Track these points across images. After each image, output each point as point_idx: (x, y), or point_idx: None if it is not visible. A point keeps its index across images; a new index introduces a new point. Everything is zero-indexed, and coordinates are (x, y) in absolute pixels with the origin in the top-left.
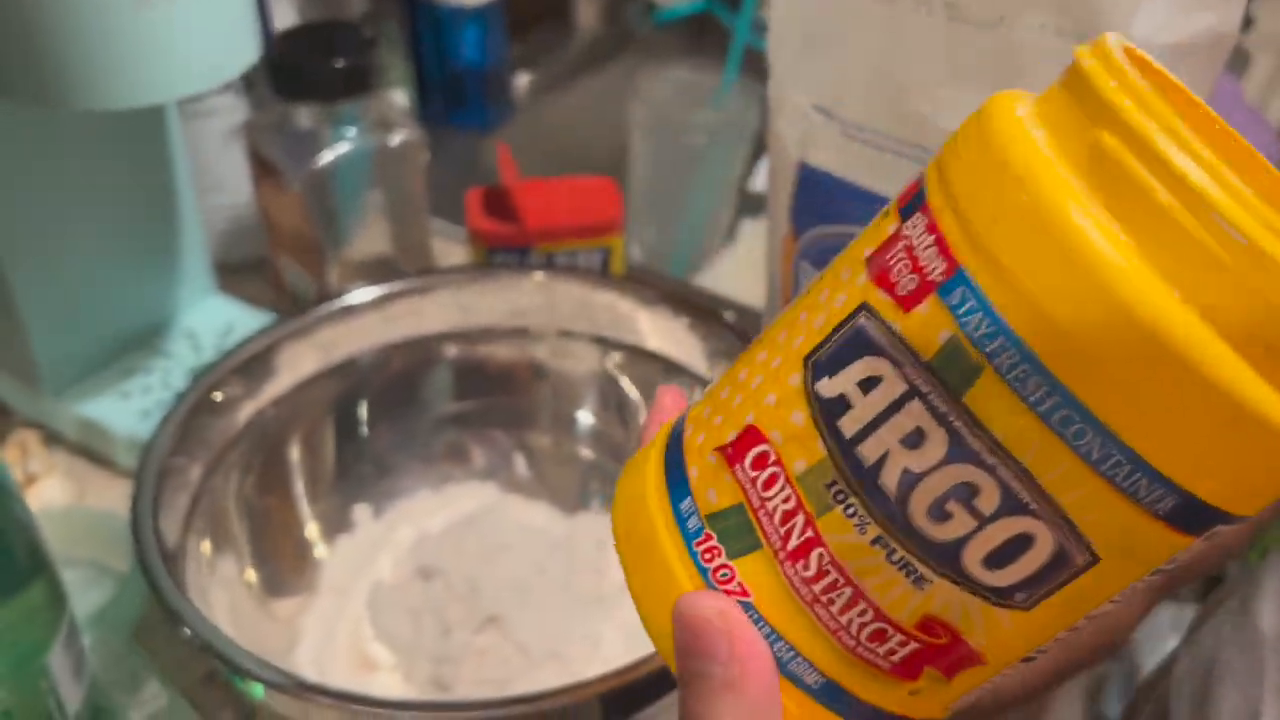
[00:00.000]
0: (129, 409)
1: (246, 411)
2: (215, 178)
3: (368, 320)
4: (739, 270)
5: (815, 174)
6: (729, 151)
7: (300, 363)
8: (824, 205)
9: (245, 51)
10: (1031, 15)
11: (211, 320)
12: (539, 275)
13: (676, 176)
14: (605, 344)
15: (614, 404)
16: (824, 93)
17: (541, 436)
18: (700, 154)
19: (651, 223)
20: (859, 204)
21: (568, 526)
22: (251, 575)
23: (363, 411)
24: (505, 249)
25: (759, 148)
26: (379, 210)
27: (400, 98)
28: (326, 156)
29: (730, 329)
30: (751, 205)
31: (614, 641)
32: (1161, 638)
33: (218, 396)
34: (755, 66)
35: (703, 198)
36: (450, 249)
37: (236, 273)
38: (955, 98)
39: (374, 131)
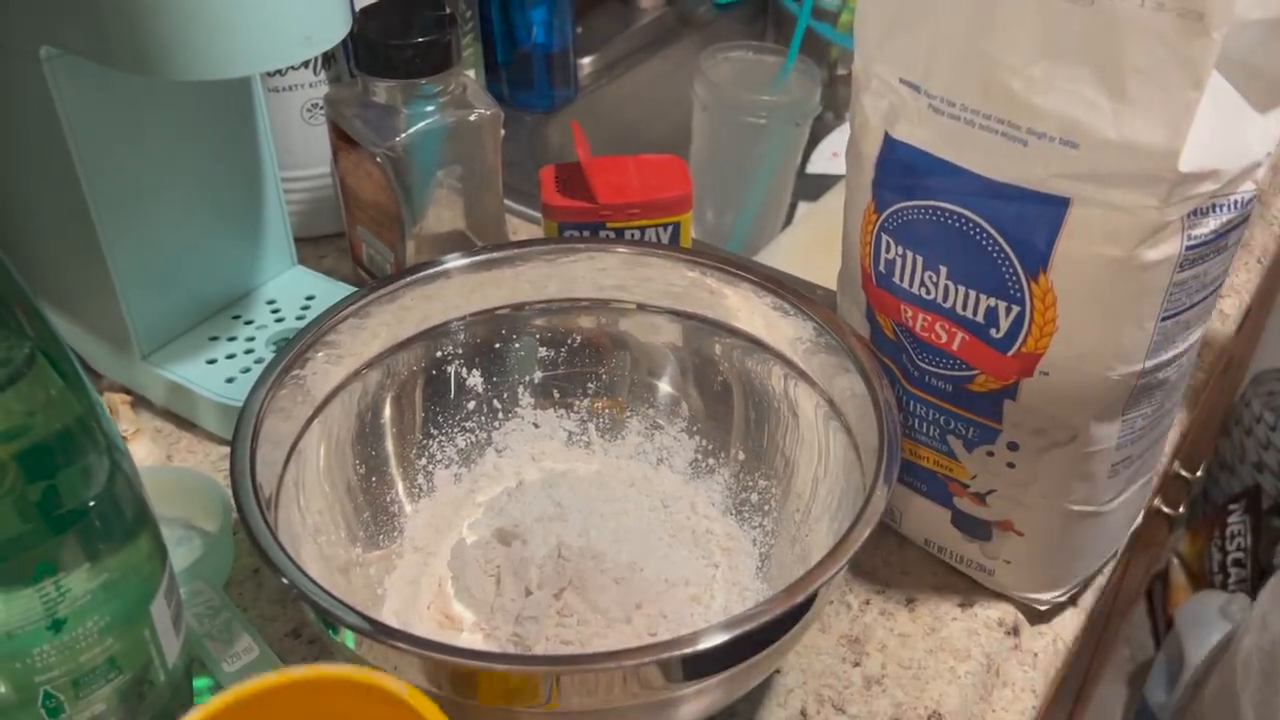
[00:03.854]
0: (215, 374)
1: (341, 372)
2: (294, 152)
3: (459, 288)
4: (797, 250)
5: (901, 147)
6: (789, 133)
7: (393, 326)
8: (908, 179)
9: (337, 24)
10: None
11: (293, 290)
12: (625, 250)
13: (737, 157)
14: (687, 318)
15: (692, 376)
16: (912, 67)
17: (620, 406)
18: (760, 135)
19: (711, 202)
20: (945, 178)
21: (644, 494)
22: (340, 532)
23: (450, 376)
24: (577, 225)
25: (818, 130)
26: (454, 185)
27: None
28: (408, 131)
29: (815, 309)
30: (809, 187)
31: (683, 605)
32: (1209, 626)
33: (315, 355)
34: (815, 49)
35: (762, 178)
36: (516, 225)
37: (313, 246)
38: (1049, 74)
39: (452, 107)
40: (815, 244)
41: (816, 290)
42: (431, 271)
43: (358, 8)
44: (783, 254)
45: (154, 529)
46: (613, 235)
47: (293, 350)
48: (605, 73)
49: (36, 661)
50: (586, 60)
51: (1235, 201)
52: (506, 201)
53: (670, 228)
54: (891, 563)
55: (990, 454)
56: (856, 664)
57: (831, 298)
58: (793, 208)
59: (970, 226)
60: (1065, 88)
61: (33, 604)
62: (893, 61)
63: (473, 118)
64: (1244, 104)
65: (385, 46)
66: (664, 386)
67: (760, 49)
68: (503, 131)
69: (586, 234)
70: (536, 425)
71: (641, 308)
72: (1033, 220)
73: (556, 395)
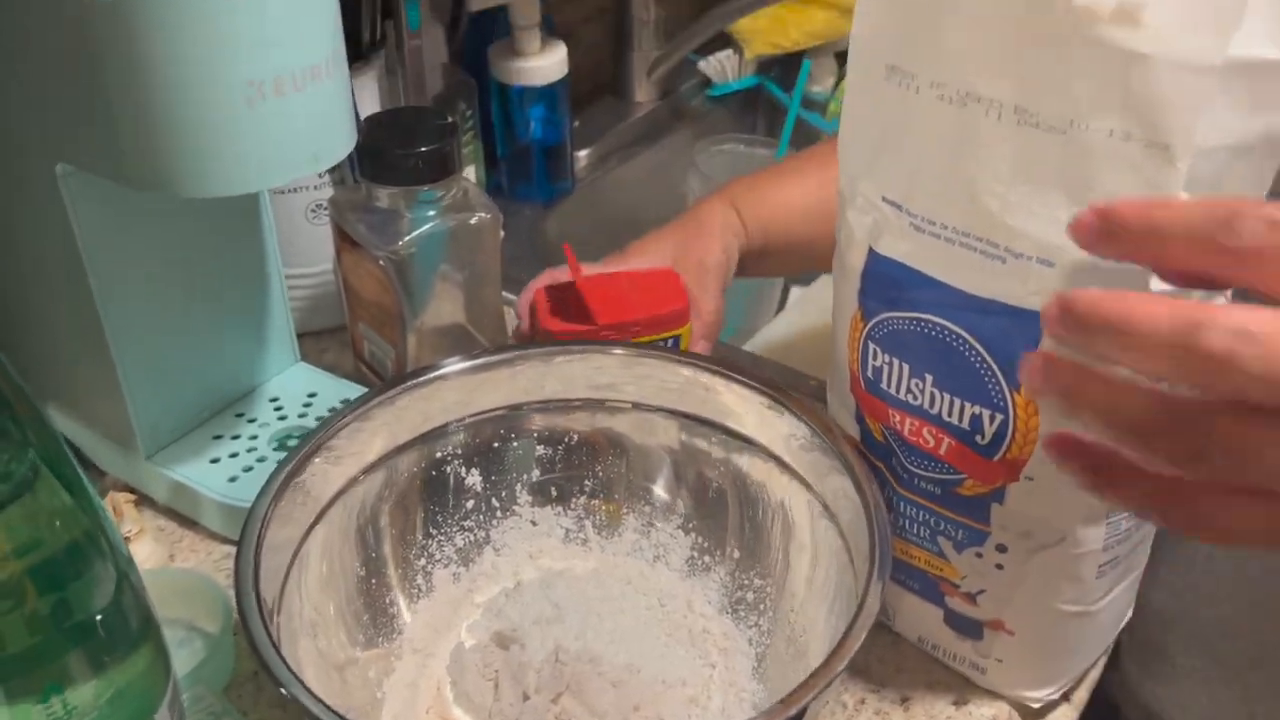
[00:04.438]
0: (217, 473)
1: (343, 475)
2: (297, 251)
3: (457, 390)
4: (789, 338)
5: (885, 261)
6: None
7: (393, 427)
8: (893, 291)
9: (343, 141)
10: (1100, 120)
11: (296, 387)
12: (620, 351)
13: None
14: (682, 417)
15: (687, 475)
16: (895, 186)
17: (617, 507)
18: None
19: None
20: (929, 292)
21: (641, 592)
22: (340, 635)
23: (450, 476)
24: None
25: None
26: (454, 283)
27: (470, 174)
28: (410, 235)
29: (808, 412)
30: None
31: (680, 707)
32: None
33: (316, 460)
34: (805, 139)
35: None
36: (514, 318)
37: (315, 340)
38: (1024, 199)
39: (453, 211)
40: (807, 330)
41: (810, 381)
42: (430, 376)
43: (362, 116)
44: (775, 340)
45: (158, 637)
46: None
47: (296, 457)
48: (601, 164)
49: None
50: (583, 153)
51: None
52: (504, 294)
53: (672, 341)
54: (885, 660)
55: (979, 555)
56: None
57: (822, 388)
58: (785, 293)
59: (953, 338)
60: (1040, 211)
61: None
62: (877, 181)
63: (473, 221)
64: None
65: (388, 155)
66: (658, 488)
67: (751, 141)
68: (502, 233)
69: None
70: (534, 523)
71: (637, 406)
72: (1013, 334)
73: (554, 493)
